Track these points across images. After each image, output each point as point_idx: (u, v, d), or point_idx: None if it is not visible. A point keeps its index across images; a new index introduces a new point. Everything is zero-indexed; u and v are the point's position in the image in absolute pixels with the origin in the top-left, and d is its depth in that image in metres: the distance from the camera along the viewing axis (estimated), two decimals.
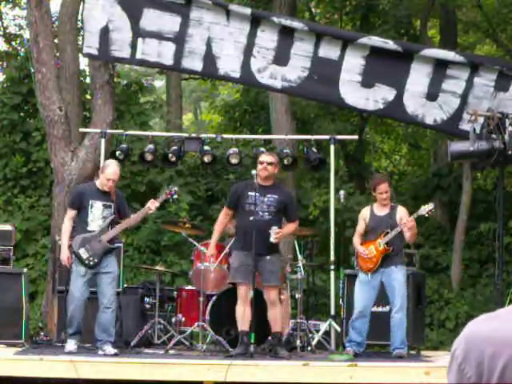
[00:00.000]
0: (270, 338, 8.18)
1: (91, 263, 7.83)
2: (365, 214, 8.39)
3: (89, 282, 7.88)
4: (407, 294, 8.73)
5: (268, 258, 7.79)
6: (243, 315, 7.81)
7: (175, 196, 8.39)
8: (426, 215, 8.28)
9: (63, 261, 7.93)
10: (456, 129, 9.74)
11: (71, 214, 7.99)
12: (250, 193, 7.91)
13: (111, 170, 7.98)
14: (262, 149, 10.65)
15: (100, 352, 7.75)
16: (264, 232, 7.72)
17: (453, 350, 1.59)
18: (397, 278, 8.08)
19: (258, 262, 7.75)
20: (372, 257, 8.12)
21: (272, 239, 7.74)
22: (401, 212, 8.25)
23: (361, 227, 8.38)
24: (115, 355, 7.64)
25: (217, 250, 8.57)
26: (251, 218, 7.79)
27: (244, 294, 7.81)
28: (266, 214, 7.87)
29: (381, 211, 8.27)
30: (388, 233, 8.11)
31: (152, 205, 8.00)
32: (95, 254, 7.84)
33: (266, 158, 8.19)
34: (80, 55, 13.86)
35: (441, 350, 10.91)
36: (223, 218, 8.19)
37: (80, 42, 14.14)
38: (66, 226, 7.98)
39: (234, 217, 8.19)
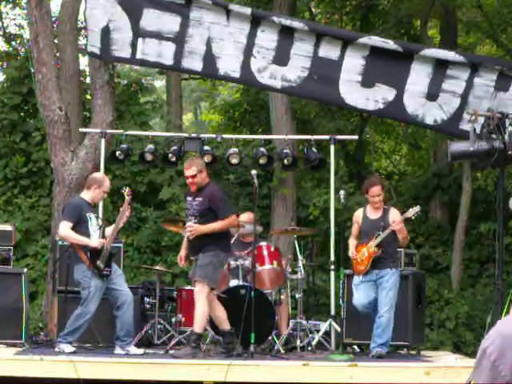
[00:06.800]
0: (269, 338, 8.19)
1: (107, 273, 7.92)
2: (358, 216, 8.37)
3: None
4: (407, 294, 8.74)
5: (199, 255, 7.88)
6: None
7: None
8: (413, 217, 8.27)
9: (100, 243, 7.87)
10: (456, 129, 9.74)
11: (70, 225, 7.91)
12: (188, 197, 8.10)
13: (108, 183, 8.33)
14: (262, 149, 10.64)
15: (122, 352, 7.83)
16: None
17: (483, 347, 1.56)
18: (389, 280, 8.07)
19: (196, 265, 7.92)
20: (364, 259, 8.14)
21: (185, 233, 7.94)
22: (393, 215, 8.21)
23: (355, 230, 8.39)
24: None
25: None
26: (186, 222, 8.07)
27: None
28: (192, 218, 7.97)
29: (373, 214, 8.24)
30: (379, 235, 8.10)
31: (128, 211, 8.20)
32: (107, 263, 7.94)
33: (187, 171, 8.02)
34: (80, 55, 13.88)
35: (441, 349, 10.91)
36: None
37: (80, 42, 14.18)
38: (73, 233, 7.90)
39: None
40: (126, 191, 8.27)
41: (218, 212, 7.92)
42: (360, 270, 8.17)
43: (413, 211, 8.13)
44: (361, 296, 8.17)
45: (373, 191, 8.19)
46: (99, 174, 8.66)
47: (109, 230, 8.14)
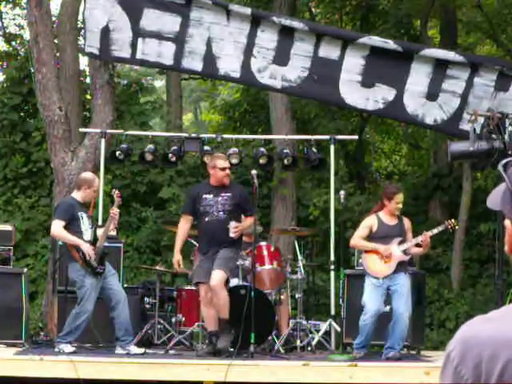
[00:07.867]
0: (269, 337, 8.18)
1: (101, 270, 7.92)
2: (371, 222, 8.13)
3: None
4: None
5: (220, 250, 7.80)
6: (208, 315, 7.88)
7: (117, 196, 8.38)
8: (451, 230, 8.23)
9: (90, 252, 7.85)
10: (456, 129, 9.74)
11: (62, 224, 7.92)
12: (204, 195, 7.96)
13: (98, 182, 8.42)
14: (262, 149, 10.64)
15: (123, 352, 7.83)
16: (219, 231, 7.82)
17: (447, 352, 1.58)
18: (406, 284, 7.99)
19: (215, 258, 7.79)
20: (389, 261, 8.04)
21: (231, 234, 7.81)
22: (407, 223, 8.20)
23: (364, 234, 8.16)
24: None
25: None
26: (207, 219, 7.91)
27: (204, 294, 7.83)
28: (221, 212, 7.89)
29: (390, 221, 8.16)
30: (403, 241, 8.04)
31: (116, 213, 8.13)
32: (99, 261, 7.94)
33: (225, 163, 8.04)
34: (80, 55, 13.88)
35: (441, 350, 10.90)
36: (183, 225, 8.16)
37: (80, 42, 14.16)
38: (66, 232, 7.92)
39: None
40: (116, 193, 8.29)
41: (246, 209, 7.98)
42: (384, 273, 8.03)
43: (442, 227, 8.11)
44: (380, 301, 8.03)
45: (398, 197, 8.13)
46: (89, 174, 8.62)
47: (100, 231, 8.17)
